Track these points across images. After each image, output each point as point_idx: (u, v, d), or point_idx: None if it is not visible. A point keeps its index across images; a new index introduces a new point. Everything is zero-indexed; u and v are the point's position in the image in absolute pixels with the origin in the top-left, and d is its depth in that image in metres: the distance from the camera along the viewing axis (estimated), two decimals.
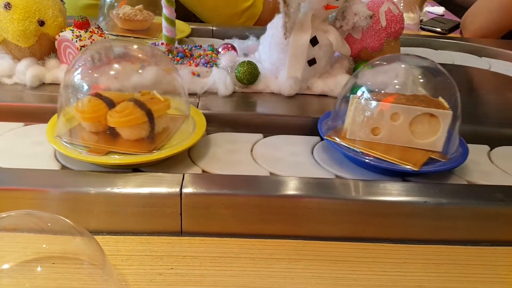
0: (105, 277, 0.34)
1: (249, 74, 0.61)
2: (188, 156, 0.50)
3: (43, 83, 0.62)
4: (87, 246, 0.33)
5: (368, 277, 0.39)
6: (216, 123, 0.57)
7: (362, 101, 0.49)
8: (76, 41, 0.59)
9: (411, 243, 0.43)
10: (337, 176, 0.49)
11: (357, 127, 0.49)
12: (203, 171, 0.48)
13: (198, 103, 0.58)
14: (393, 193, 0.44)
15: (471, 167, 0.52)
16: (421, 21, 1.09)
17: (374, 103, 0.49)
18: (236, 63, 0.63)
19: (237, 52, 0.69)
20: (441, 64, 0.53)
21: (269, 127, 0.57)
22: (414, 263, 0.41)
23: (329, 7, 0.61)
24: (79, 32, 0.60)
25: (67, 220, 0.34)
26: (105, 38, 0.62)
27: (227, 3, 0.93)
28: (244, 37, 0.76)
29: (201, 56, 0.67)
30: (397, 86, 0.52)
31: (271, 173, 0.48)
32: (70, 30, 0.60)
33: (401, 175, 0.49)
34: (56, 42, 0.62)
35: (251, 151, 0.52)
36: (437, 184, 0.47)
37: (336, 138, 0.50)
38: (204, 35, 0.88)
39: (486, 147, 0.57)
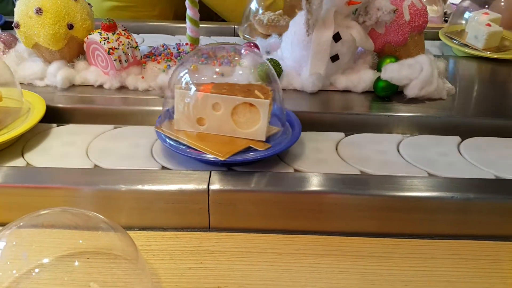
0: (138, 271, 0.35)
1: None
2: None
3: (73, 85, 0.64)
4: (121, 242, 0.34)
5: (394, 272, 0.40)
6: None
7: (183, 91, 0.48)
8: (104, 43, 0.61)
9: (438, 238, 0.43)
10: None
11: (182, 117, 0.48)
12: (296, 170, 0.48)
13: None
14: (421, 188, 0.44)
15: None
16: (445, 13, 1.07)
17: (193, 92, 0.47)
18: (258, 61, 0.64)
19: (259, 50, 0.69)
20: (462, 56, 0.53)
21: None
22: (442, 258, 0.41)
23: (352, 3, 0.60)
24: (107, 34, 0.62)
25: (101, 216, 0.35)
26: (131, 40, 0.64)
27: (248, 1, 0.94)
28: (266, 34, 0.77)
29: (225, 56, 0.68)
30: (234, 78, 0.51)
31: (295, 170, 0.49)
32: (98, 32, 0.62)
33: (227, 165, 0.48)
34: (84, 45, 0.64)
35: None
36: (464, 179, 0.46)
37: (164, 129, 0.49)
38: (226, 34, 0.89)
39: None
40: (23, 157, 0.50)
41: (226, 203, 0.43)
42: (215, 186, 0.43)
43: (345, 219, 0.44)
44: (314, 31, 0.60)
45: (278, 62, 0.63)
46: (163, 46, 0.71)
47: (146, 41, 0.84)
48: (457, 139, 0.55)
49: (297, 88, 0.63)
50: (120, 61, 0.62)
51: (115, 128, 0.56)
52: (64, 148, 0.52)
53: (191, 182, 0.43)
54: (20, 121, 0.53)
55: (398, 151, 0.53)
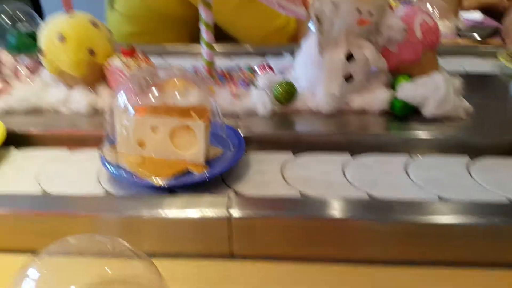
0: None
1: (287, 93, 0.63)
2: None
3: (95, 109, 0.66)
4: (147, 270, 0.35)
5: None
6: (256, 143, 0.58)
7: (122, 113, 0.48)
8: (124, 68, 0.63)
9: (467, 267, 0.42)
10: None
11: (123, 140, 0.49)
12: (236, 192, 0.49)
13: (239, 125, 0.60)
14: (444, 212, 0.42)
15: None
16: (458, 28, 1.07)
17: (131, 115, 0.48)
18: (273, 82, 0.65)
19: (274, 71, 0.70)
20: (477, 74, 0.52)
21: (304, 145, 0.58)
22: None
23: (363, 22, 0.61)
24: (127, 59, 0.64)
25: (126, 243, 0.36)
26: (150, 64, 0.66)
27: (261, 23, 0.96)
28: (279, 55, 0.78)
29: (240, 78, 0.70)
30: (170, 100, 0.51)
31: (302, 193, 0.49)
32: (118, 57, 0.64)
33: (168, 190, 0.48)
34: (105, 70, 0.66)
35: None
36: (488, 204, 0.45)
37: (107, 152, 0.50)
38: (240, 55, 0.91)
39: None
40: None
41: (247, 229, 0.43)
42: (235, 212, 0.43)
43: (368, 246, 0.43)
44: (326, 51, 0.61)
45: (293, 84, 0.64)
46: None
47: (165, 65, 0.86)
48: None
49: (312, 109, 0.64)
50: (141, 86, 0.64)
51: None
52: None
53: (210, 208, 0.43)
54: None
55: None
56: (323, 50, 0.61)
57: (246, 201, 0.45)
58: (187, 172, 0.48)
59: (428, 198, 0.48)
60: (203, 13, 0.67)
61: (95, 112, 0.65)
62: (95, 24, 0.67)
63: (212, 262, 0.44)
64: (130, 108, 0.49)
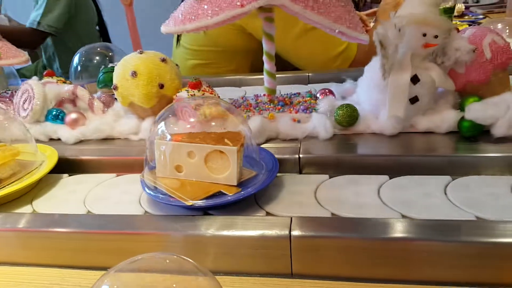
0: None
1: (348, 116, 0.63)
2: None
3: None
4: (211, 286, 0.36)
5: None
6: (316, 165, 0.59)
7: (161, 141, 0.52)
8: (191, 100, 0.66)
9: None
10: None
11: (161, 165, 0.53)
12: (268, 213, 0.50)
13: (299, 148, 0.61)
14: (507, 233, 0.40)
15: None
16: None
17: (169, 142, 0.52)
18: (334, 106, 0.65)
19: (335, 96, 0.70)
20: None
21: (369, 168, 0.57)
22: None
23: (428, 45, 0.60)
24: (193, 91, 0.67)
25: (192, 261, 0.37)
26: (215, 94, 0.69)
27: (322, 49, 0.97)
28: (340, 81, 0.78)
29: (300, 103, 0.70)
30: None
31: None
32: (186, 90, 0.68)
33: (203, 210, 0.50)
34: (174, 102, 0.70)
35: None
36: None
37: (146, 176, 0.54)
38: (301, 82, 0.92)
39: None
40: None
41: (308, 249, 0.44)
42: (296, 232, 0.43)
43: (431, 267, 0.42)
44: (390, 74, 0.60)
45: (354, 107, 0.63)
46: (242, 98, 0.75)
47: (227, 94, 0.90)
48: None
49: (376, 131, 0.63)
50: (205, 115, 0.67)
51: None
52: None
53: (272, 228, 0.44)
54: (32, 173, 0.61)
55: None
56: (387, 74, 0.60)
57: (306, 221, 0.45)
58: (221, 194, 0.50)
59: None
60: (265, 45, 0.69)
61: None
62: (164, 60, 0.72)
63: (272, 280, 0.44)
64: (167, 135, 0.53)
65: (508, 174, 0.54)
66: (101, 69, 0.89)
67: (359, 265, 0.43)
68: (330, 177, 0.56)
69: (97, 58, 0.98)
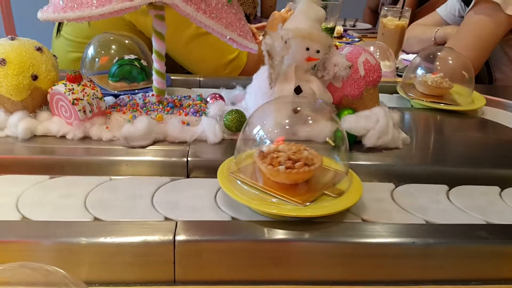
0: None
1: (237, 121, 0.64)
2: None
3: (35, 135, 0.63)
4: None
5: None
6: (205, 169, 0.58)
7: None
8: (69, 94, 0.61)
9: (401, 285, 0.44)
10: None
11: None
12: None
13: (188, 151, 0.60)
14: (383, 234, 0.45)
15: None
16: (397, 68, 1.15)
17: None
18: (224, 111, 0.66)
19: (225, 101, 0.71)
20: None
21: None
22: None
23: (311, 59, 0.64)
24: (72, 85, 0.62)
25: (62, 271, 0.34)
26: (97, 91, 0.64)
27: (213, 56, 0.98)
28: (231, 87, 0.80)
29: (191, 106, 0.70)
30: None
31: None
32: (63, 83, 0.62)
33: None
34: (48, 95, 0.64)
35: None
36: (423, 225, 0.48)
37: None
38: (192, 86, 0.91)
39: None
40: None
41: (191, 254, 0.43)
42: (181, 237, 0.42)
43: (310, 267, 0.44)
44: (276, 84, 0.63)
45: (243, 113, 0.65)
46: (128, 97, 0.72)
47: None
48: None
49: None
50: (84, 111, 0.62)
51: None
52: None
53: (155, 233, 0.43)
54: None
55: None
56: (274, 83, 0.62)
57: (191, 225, 0.44)
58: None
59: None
60: (155, 43, 0.67)
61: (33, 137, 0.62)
62: (39, 49, 0.65)
63: None
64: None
65: (376, 181, 0.60)
66: None
67: (240, 268, 0.44)
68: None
69: None
